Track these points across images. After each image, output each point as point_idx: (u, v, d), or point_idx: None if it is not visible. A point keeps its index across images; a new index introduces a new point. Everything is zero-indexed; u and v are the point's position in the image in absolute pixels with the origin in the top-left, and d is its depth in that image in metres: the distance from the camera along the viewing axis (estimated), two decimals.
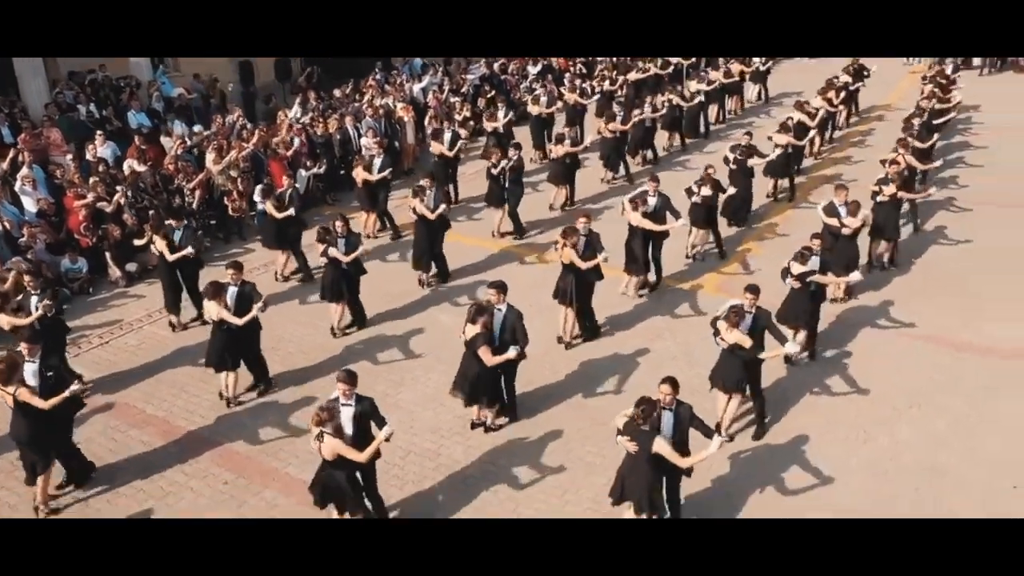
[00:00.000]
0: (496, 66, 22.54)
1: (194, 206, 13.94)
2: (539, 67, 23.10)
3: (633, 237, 11.42)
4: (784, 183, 15.75)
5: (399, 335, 11.26)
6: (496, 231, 14.20)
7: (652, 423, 7.01)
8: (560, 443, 9.05)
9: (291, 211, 12.27)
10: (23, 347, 7.82)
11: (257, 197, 14.23)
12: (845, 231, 11.18)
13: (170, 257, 10.90)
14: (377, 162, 13.91)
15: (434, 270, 12.58)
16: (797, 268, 9.96)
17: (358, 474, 7.27)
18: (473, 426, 9.25)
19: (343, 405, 7.20)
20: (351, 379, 7.23)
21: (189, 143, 14.87)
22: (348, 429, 7.14)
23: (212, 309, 9.25)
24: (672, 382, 7.14)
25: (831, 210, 11.48)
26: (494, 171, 13.73)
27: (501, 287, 8.84)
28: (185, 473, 8.66)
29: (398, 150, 14.73)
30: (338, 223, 10.76)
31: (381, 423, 7.09)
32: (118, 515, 8.08)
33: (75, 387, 7.66)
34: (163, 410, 9.73)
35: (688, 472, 7.31)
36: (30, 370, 7.71)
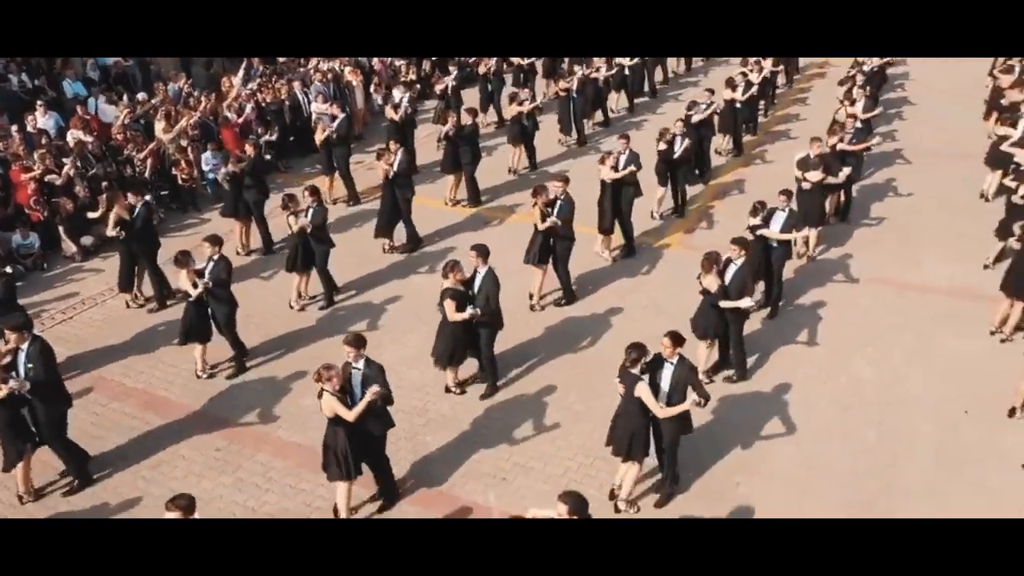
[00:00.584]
0: None
1: (146, 175, 13.57)
2: None
3: (604, 195, 11.65)
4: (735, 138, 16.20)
5: (375, 299, 11.33)
6: (449, 198, 14.20)
7: (643, 368, 7.29)
8: (544, 395, 9.33)
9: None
10: (9, 335, 7.60)
11: (206, 166, 14.02)
12: (804, 185, 11.59)
13: (111, 232, 10.73)
14: (334, 124, 13.78)
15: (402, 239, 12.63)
16: (750, 220, 10.38)
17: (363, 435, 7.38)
18: (447, 390, 9.40)
19: (353, 368, 7.29)
20: (357, 342, 7.34)
21: (137, 112, 14.41)
22: (358, 392, 7.24)
23: (181, 278, 9.20)
24: (673, 336, 7.34)
25: (804, 163, 11.81)
26: (444, 136, 13.75)
27: (482, 251, 8.98)
28: (175, 442, 8.63)
29: (348, 115, 14.58)
30: (306, 193, 10.66)
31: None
32: (113, 486, 8.07)
33: (12, 384, 7.29)
34: (142, 382, 9.62)
35: (686, 427, 7.61)
36: (20, 358, 7.56)
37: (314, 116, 15.96)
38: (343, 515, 7.56)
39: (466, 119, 13.64)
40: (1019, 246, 9.82)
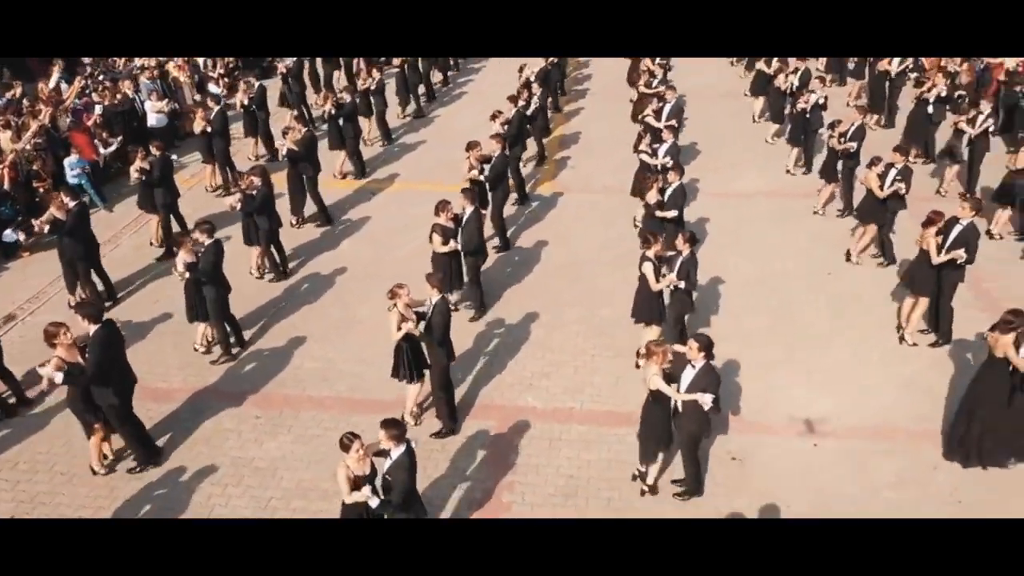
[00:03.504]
0: None
1: (6, 188, 12.53)
2: None
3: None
4: None
5: (323, 269, 11.93)
6: (337, 172, 14.77)
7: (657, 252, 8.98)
8: (519, 316, 10.66)
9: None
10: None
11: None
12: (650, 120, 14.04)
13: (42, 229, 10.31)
14: (211, 114, 13.74)
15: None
16: (642, 144, 12.60)
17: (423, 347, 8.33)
18: None
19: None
20: (440, 283, 8.20)
21: None
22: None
23: (178, 259, 9.26)
24: (690, 238, 9.00)
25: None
26: (326, 115, 14.31)
27: (469, 194, 10.12)
28: (208, 420, 8.76)
29: (223, 106, 14.26)
30: (254, 177, 10.91)
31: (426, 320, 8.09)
32: (175, 461, 8.17)
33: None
34: None
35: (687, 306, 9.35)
36: None
37: (149, 114, 15.49)
38: (407, 416, 8.47)
39: (345, 98, 14.23)
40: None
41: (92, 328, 7.46)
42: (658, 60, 17.18)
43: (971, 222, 9.46)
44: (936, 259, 9.41)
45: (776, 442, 8.41)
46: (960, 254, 9.21)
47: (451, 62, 21.83)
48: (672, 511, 7.52)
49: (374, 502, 5.99)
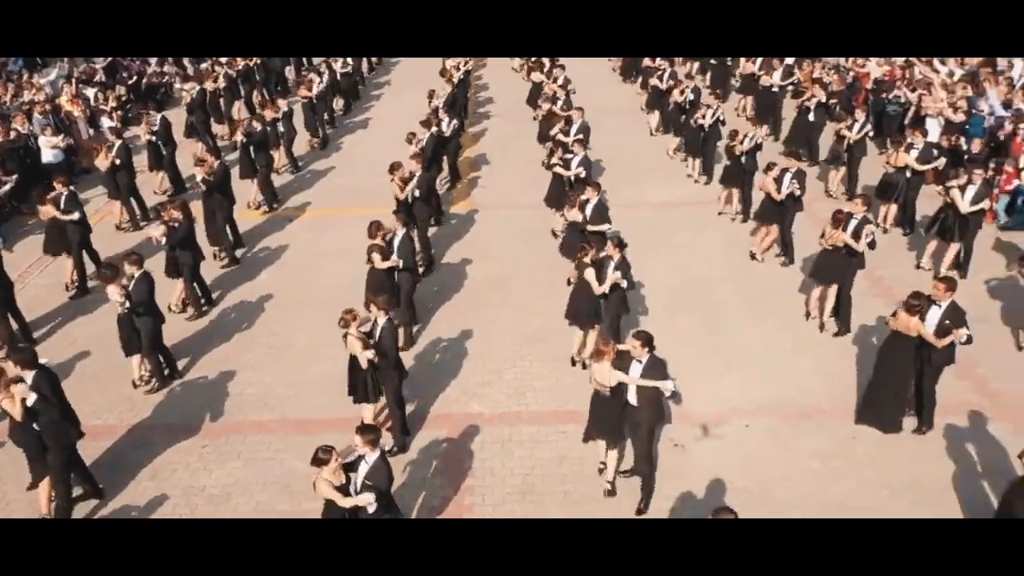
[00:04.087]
0: None
1: None
2: None
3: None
4: None
5: (247, 297, 11.82)
6: (252, 202, 14.65)
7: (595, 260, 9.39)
8: (454, 331, 10.90)
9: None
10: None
11: None
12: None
13: None
14: (114, 149, 13.36)
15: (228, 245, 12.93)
16: (554, 158, 13.13)
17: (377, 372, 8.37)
18: None
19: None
20: (386, 304, 8.29)
21: None
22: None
23: (110, 293, 9.03)
24: (619, 242, 9.44)
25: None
26: (239, 143, 14.20)
27: (400, 217, 10.37)
28: (155, 455, 8.56)
29: (125, 140, 13.82)
30: (175, 210, 10.72)
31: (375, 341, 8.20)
32: (123, 500, 7.96)
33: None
34: None
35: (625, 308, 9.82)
36: None
37: (44, 150, 14.93)
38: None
39: (255, 125, 14.16)
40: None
41: (29, 374, 7.20)
42: (559, 82, 17.90)
43: (864, 216, 10.40)
44: (858, 247, 10.21)
45: (712, 427, 8.95)
46: (871, 229, 10.20)
47: (355, 90, 21.96)
48: (628, 500, 7.90)
49: (372, 507, 6.12)
